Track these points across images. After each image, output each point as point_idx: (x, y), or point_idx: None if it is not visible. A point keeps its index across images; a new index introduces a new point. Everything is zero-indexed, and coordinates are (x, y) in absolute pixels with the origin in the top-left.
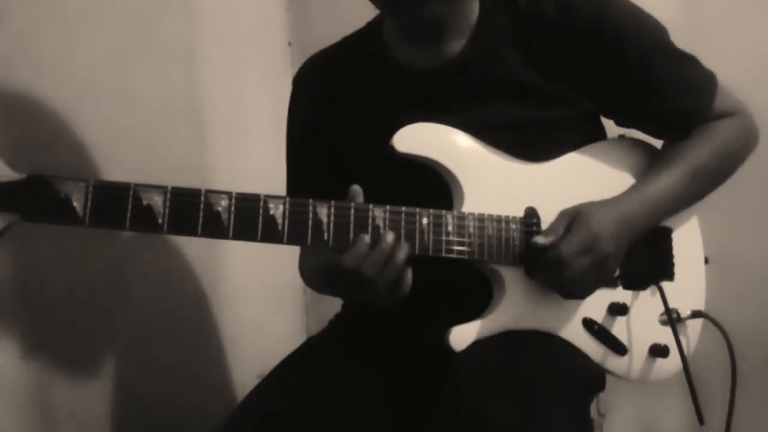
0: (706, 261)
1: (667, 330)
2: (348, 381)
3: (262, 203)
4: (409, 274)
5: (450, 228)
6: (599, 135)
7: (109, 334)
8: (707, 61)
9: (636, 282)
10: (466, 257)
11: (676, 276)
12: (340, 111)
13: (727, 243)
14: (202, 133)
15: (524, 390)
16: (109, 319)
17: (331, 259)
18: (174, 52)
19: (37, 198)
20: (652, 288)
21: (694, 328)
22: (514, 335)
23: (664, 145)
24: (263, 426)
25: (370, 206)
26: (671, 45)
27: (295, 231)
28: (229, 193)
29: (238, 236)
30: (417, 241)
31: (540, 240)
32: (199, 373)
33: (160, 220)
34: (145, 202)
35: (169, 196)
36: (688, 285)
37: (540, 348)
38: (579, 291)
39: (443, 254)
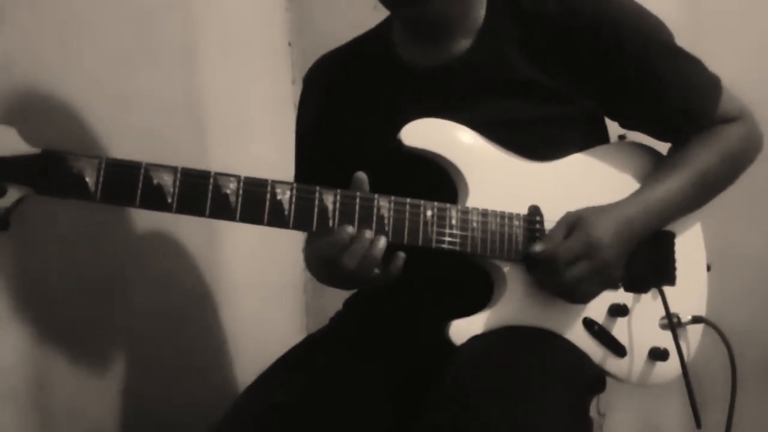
0: (709, 268)
1: (667, 334)
2: (347, 378)
3: (269, 188)
4: (399, 259)
5: (453, 222)
6: (602, 135)
7: (110, 333)
8: (707, 60)
9: (637, 284)
10: (468, 251)
11: (678, 281)
12: (347, 109)
13: (728, 247)
14: (203, 132)
15: (522, 384)
16: (109, 318)
17: (317, 250)
18: (174, 52)
19: (51, 172)
20: (654, 291)
21: (694, 333)
22: (513, 331)
23: (669, 150)
24: (261, 420)
25: (376, 196)
26: (675, 45)
27: (301, 217)
28: (237, 177)
29: (245, 219)
30: (420, 233)
31: (537, 246)
32: (199, 372)
33: (169, 199)
34: (155, 181)
35: (179, 176)
36: (689, 290)
37: (539, 344)
38: (580, 296)
39: (446, 247)
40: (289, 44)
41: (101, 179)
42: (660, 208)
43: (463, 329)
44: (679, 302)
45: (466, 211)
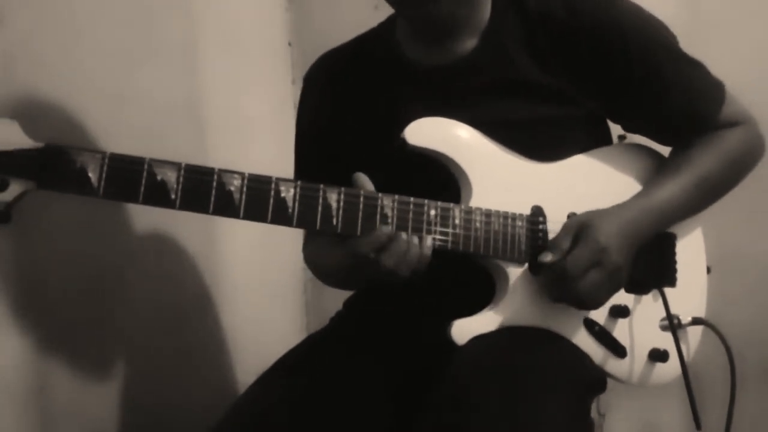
0: (708, 270)
1: (667, 335)
2: (348, 378)
3: (273, 185)
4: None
5: (457, 221)
6: (605, 137)
7: (109, 333)
8: (707, 60)
9: (638, 286)
10: (471, 251)
11: (678, 283)
12: (349, 108)
13: (728, 250)
14: (202, 132)
15: (523, 385)
16: (109, 318)
17: (350, 248)
18: (174, 51)
19: (54, 167)
20: (654, 293)
21: (694, 335)
22: (515, 331)
23: (671, 153)
24: (262, 420)
25: (379, 195)
26: (679, 49)
27: (304, 214)
28: (241, 174)
29: (248, 216)
30: (423, 233)
31: (548, 257)
32: (199, 373)
33: (173, 196)
34: (159, 177)
35: (182, 172)
36: (689, 292)
37: (540, 345)
38: (591, 303)
39: (449, 247)
40: (289, 44)
41: (104, 174)
42: (662, 210)
43: (465, 329)
44: (679, 304)
45: (469, 211)
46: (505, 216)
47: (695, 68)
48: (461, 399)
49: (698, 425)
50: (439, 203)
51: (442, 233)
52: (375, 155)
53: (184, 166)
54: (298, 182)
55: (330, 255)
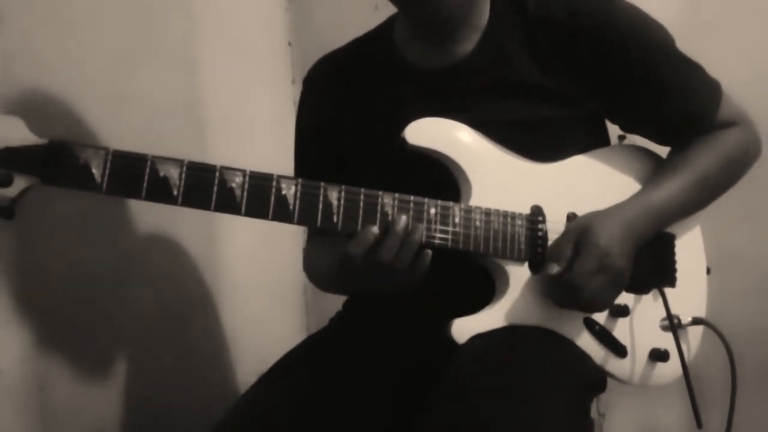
0: (708, 271)
1: (668, 335)
2: (348, 378)
3: (274, 182)
4: (428, 255)
5: (457, 220)
6: (603, 137)
7: (110, 333)
8: (707, 61)
9: (638, 286)
10: (471, 250)
11: (678, 283)
12: (349, 109)
13: (727, 250)
14: (202, 132)
15: (523, 384)
16: (109, 318)
17: (341, 252)
18: (174, 51)
19: (57, 163)
20: (654, 293)
21: (694, 335)
22: (515, 330)
23: (669, 153)
24: (263, 421)
25: (380, 193)
26: (677, 51)
27: (305, 212)
28: (243, 171)
29: (250, 213)
30: (423, 232)
31: (553, 269)
32: (199, 373)
33: (175, 192)
34: (161, 174)
35: (185, 169)
36: (689, 292)
37: (540, 344)
38: (596, 307)
39: (449, 245)
40: (289, 44)
41: (107, 170)
42: (662, 209)
43: (466, 328)
44: (679, 304)
45: (469, 210)
46: (505, 215)
47: (692, 69)
48: (461, 399)
49: (699, 424)
50: (439, 202)
51: (442, 232)
52: (375, 156)
53: (187, 162)
54: (299, 180)
55: (326, 258)
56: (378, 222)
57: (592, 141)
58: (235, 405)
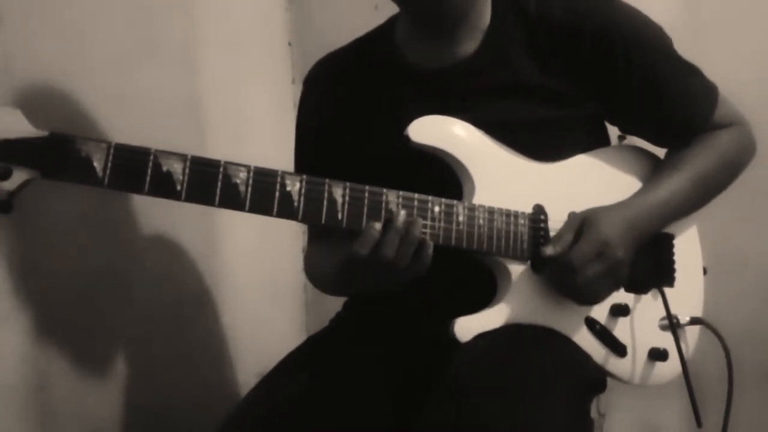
0: (705, 272)
1: (666, 335)
2: (348, 378)
3: (279, 179)
4: (429, 248)
5: (460, 218)
6: (603, 137)
7: (110, 334)
8: (707, 61)
9: (638, 285)
10: (474, 248)
11: (676, 283)
12: (350, 110)
13: (724, 250)
14: (202, 132)
15: (523, 384)
16: (109, 319)
17: (346, 253)
18: (174, 51)
19: (58, 156)
20: (654, 293)
21: (692, 334)
22: (516, 329)
23: (667, 153)
24: (264, 423)
25: (384, 190)
26: (676, 54)
27: (310, 208)
28: (247, 166)
29: (254, 209)
30: (428, 229)
31: (550, 249)
32: (199, 373)
33: (178, 187)
34: (164, 168)
35: (188, 164)
36: (686, 293)
37: (541, 343)
38: (592, 296)
39: (452, 244)
40: (289, 44)
41: (109, 164)
42: (661, 208)
43: (468, 327)
44: (677, 304)
45: (472, 208)
46: (508, 214)
47: (690, 72)
48: (461, 398)
49: (699, 423)
50: (443, 200)
51: (445, 230)
52: (375, 157)
53: (190, 157)
54: (304, 176)
55: (328, 260)
56: (382, 219)
57: (593, 141)
58: (238, 407)
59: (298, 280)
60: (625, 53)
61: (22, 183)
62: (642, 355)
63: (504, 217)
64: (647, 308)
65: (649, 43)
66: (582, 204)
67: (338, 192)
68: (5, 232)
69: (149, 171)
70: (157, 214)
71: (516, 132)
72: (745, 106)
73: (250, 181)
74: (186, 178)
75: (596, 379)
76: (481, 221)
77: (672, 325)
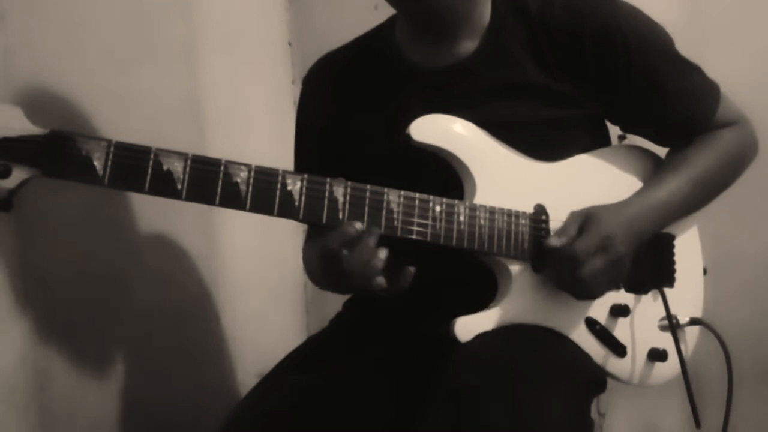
0: (705, 272)
1: (666, 335)
2: (349, 379)
3: (280, 178)
4: (409, 274)
5: (461, 218)
6: (604, 137)
7: (110, 333)
8: (708, 61)
9: (638, 285)
10: (475, 248)
11: (676, 284)
12: (350, 109)
13: (724, 251)
14: (202, 132)
15: (523, 384)
16: (109, 318)
17: (322, 242)
18: (174, 51)
19: (58, 154)
20: (653, 293)
21: (691, 335)
22: (516, 329)
23: (668, 153)
24: (264, 423)
25: (386, 190)
26: (677, 54)
27: (311, 207)
28: (248, 166)
29: (254, 208)
30: (429, 229)
31: (553, 241)
32: (199, 373)
33: (179, 186)
34: (165, 167)
35: (189, 163)
36: (686, 293)
37: (542, 343)
38: (592, 291)
39: (453, 243)
40: (289, 44)
41: (110, 162)
42: (662, 207)
43: (469, 327)
44: (677, 304)
45: (474, 208)
46: (509, 213)
47: (692, 71)
48: (461, 398)
49: (698, 424)
50: (445, 200)
51: (446, 229)
52: (376, 157)
53: (191, 156)
54: (305, 175)
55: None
56: (384, 219)
57: (594, 141)
58: (238, 407)
59: (298, 280)
60: (625, 52)
61: (22, 181)
62: (642, 355)
63: (505, 217)
64: (647, 308)
65: (650, 43)
66: (583, 204)
67: (339, 191)
68: (5, 231)
69: (150, 170)
70: (157, 214)
71: (517, 131)
72: (746, 106)
73: (251, 180)
74: (187, 177)
75: (596, 379)
76: (482, 221)
77: (672, 325)
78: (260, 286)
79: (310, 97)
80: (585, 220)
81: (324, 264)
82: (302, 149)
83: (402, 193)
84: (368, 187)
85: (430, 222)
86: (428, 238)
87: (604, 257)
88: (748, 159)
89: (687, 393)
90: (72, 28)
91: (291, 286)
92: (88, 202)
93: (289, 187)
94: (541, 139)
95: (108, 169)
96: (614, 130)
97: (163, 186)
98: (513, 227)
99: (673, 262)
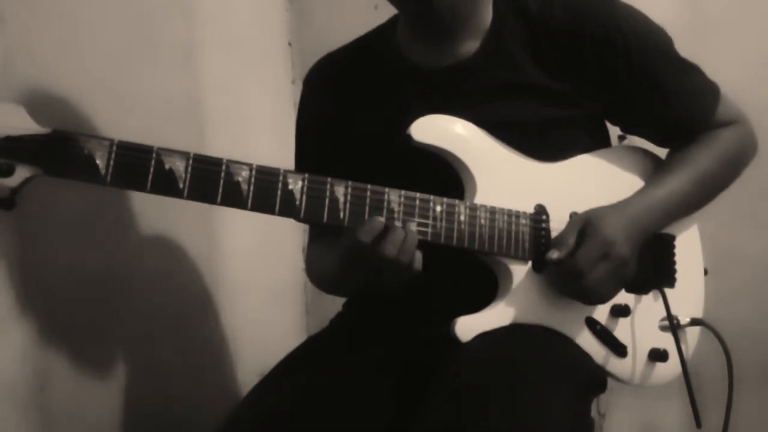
0: (706, 272)
1: (666, 335)
2: (349, 379)
3: (281, 177)
4: (419, 255)
5: (462, 218)
6: (604, 138)
7: (110, 333)
8: (707, 60)
9: (638, 286)
10: (475, 248)
11: (676, 284)
12: (350, 109)
13: (725, 251)
14: (202, 132)
15: (524, 384)
16: (109, 319)
17: (347, 241)
18: (174, 51)
19: (61, 153)
20: (654, 293)
21: (692, 335)
22: (517, 329)
23: (669, 153)
24: (264, 423)
25: (386, 189)
26: (677, 54)
27: (312, 207)
28: (249, 165)
29: (256, 208)
30: (429, 228)
31: (555, 254)
32: (199, 373)
33: (180, 185)
34: (167, 166)
35: (191, 162)
36: (687, 293)
37: (542, 343)
38: (600, 297)
39: (454, 243)
40: (289, 44)
41: (112, 162)
42: (663, 207)
43: (469, 326)
44: (677, 305)
45: (474, 208)
46: (509, 213)
47: (691, 71)
48: (462, 398)
49: (698, 424)
50: (445, 199)
51: (447, 229)
52: (376, 157)
53: (193, 155)
54: (306, 175)
55: (329, 258)
56: (384, 219)
57: (594, 141)
58: (238, 407)
59: (298, 280)
60: (625, 53)
61: (25, 180)
62: (642, 355)
63: (505, 217)
64: (648, 309)
65: (649, 43)
66: (583, 204)
67: (340, 191)
68: (7, 229)
69: (152, 169)
70: (158, 215)
71: (517, 132)
72: (746, 106)
73: (253, 180)
74: (188, 176)
75: (596, 379)
76: (482, 221)
77: (672, 325)
78: (260, 286)
79: (310, 97)
80: (585, 225)
81: (348, 262)
82: (303, 150)
83: (402, 192)
84: (369, 186)
85: (430, 222)
86: (429, 238)
87: (607, 264)
88: (747, 158)
89: (688, 393)
90: (72, 28)
91: (291, 286)
92: (89, 201)
93: (290, 187)
94: (542, 139)
95: (110, 168)
96: (614, 130)
97: (165, 185)
98: (513, 227)
99: (673, 262)
